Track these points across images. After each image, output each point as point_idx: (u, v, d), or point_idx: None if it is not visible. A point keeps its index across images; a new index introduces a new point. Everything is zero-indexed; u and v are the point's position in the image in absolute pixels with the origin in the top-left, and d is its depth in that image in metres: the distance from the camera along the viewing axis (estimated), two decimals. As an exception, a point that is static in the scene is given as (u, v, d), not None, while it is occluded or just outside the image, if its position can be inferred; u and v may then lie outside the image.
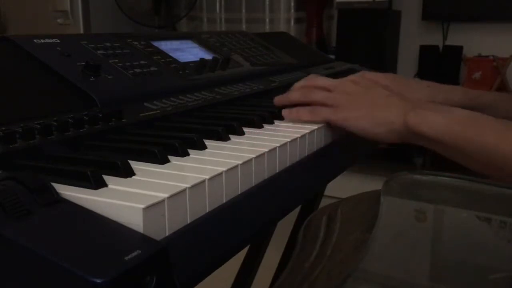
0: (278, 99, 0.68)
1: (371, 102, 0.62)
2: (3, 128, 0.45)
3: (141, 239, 0.34)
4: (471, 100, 0.80)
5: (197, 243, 0.40)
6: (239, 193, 0.46)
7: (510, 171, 0.48)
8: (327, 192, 1.16)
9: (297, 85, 0.70)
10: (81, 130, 0.51)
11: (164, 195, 0.37)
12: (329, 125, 0.66)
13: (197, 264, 0.39)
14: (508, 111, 0.80)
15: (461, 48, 2.56)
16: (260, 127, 0.62)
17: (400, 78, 0.84)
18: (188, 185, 0.39)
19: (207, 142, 0.52)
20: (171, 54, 0.78)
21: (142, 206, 0.35)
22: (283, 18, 2.91)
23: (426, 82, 0.83)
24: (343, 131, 0.64)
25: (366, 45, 2.52)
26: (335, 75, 1.09)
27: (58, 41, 0.65)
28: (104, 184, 0.39)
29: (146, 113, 0.59)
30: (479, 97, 0.81)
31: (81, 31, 2.78)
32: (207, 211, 0.42)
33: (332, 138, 0.67)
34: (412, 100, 0.62)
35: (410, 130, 0.57)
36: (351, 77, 0.70)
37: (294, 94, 0.67)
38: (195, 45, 0.88)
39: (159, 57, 0.75)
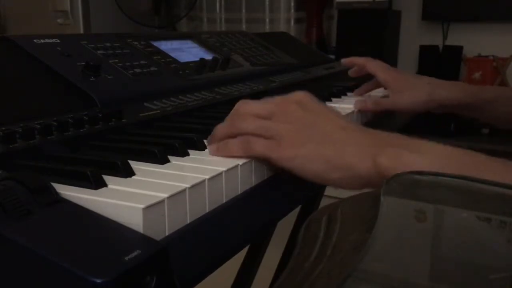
0: (209, 138, 0.52)
1: (323, 136, 0.47)
2: (3, 128, 0.45)
3: (141, 239, 0.34)
4: (472, 96, 0.79)
5: (197, 243, 0.40)
6: (239, 193, 0.46)
7: None
8: (327, 192, 1.16)
9: (229, 115, 0.53)
10: (81, 130, 0.51)
11: (164, 195, 0.37)
12: None
13: (197, 264, 0.39)
14: (509, 105, 0.80)
15: (461, 48, 2.56)
16: (260, 127, 0.61)
17: (401, 74, 0.82)
18: (188, 185, 0.39)
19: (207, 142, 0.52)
20: (171, 54, 0.78)
21: (142, 206, 0.35)
22: (283, 18, 2.91)
23: (427, 78, 0.82)
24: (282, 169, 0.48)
25: (366, 45, 2.51)
26: (335, 75, 1.10)
27: (58, 41, 0.65)
28: (104, 184, 0.39)
29: (146, 113, 0.59)
30: (480, 93, 0.80)
31: (81, 31, 2.78)
32: (207, 211, 0.42)
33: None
34: (376, 133, 0.48)
35: (382, 176, 0.42)
36: (298, 95, 0.52)
37: (221, 127, 0.51)
38: (195, 45, 0.88)
39: (159, 57, 0.75)
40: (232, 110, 0.52)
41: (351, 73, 0.90)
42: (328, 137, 0.47)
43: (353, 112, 0.75)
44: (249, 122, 0.49)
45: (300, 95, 0.51)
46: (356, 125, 0.50)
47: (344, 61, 0.89)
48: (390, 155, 0.43)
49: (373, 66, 0.84)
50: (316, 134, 0.47)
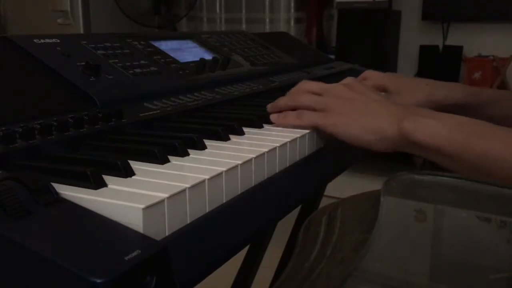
0: (270, 106, 0.65)
1: (363, 108, 0.59)
2: (3, 128, 0.45)
3: (141, 239, 0.34)
4: (471, 97, 0.80)
5: (197, 243, 0.40)
6: (239, 193, 0.46)
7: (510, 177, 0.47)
8: (327, 192, 1.16)
9: (290, 91, 0.66)
10: (81, 130, 0.51)
11: (164, 195, 0.37)
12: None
13: (197, 264, 0.39)
14: (506, 108, 0.80)
15: (461, 48, 2.56)
16: (260, 127, 0.62)
17: (399, 77, 0.84)
18: (188, 185, 0.39)
19: (207, 142, 0.52)
20: (171, 54, 0.78)
21: (142, 206, 0.35)
22: (283, 18, 2.91)
23: (425, 80, 0.83)
24: (332, 138, 0.60)
25: (366, 45, 2.52)
26: (335, 75, 1.10)
27: (58, 41, 0.65)
28: (104, 184, 0.39)
29: (146, 113, 0.59)
30: (479, 94, 0.81)
31: (81, 31, 2.78)
32: (207, 211, 0.42)
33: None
34: (406, 106, 0.59)
35: (405, 137, 0.54)
36: (347, 80, 0.65)
37: (283, 99, 0.64)
38: (195, 45, 0.88)
39: (159, 57, 0.75)
40: (294, 87, 0.65)
41: None
42: (365, 108, 0.58)
43: None
44: (305, 97, 0.61)
45: (348, 79, 0.65)
46: (389, 100, 0.61)
47: None
48: (412, 120, 0.54)
49: (369, 77, 0.85)
50: (356, 106, 0.59)
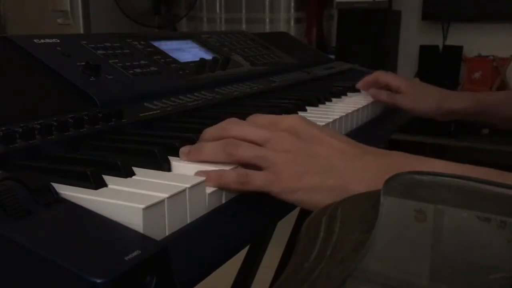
0: (189, 155, 0.47)
1: (323, 164, 0.44)
2: (3, 128, 0.45)
3: (141, 239, 0.34)
4: (477, 104, 0.84)
5: (197, 243, 0.40)
6: (239, 193, 0.46)
7: None
8: (327, 192, 1.16)
9: (210, 132, 0.49)
10: (81, 130, 0.51)
11: (164, 195, 0.37)
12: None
13: (197, 264, 0.39)
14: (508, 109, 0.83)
15: (461, 48, 2.56)
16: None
17: (412, 81, 0.87)
18: (188, 185, 0.39)
19: (207, 142, 0.52)
20: (171, 54, 0.78)
21: (142, 206, 0.35)
22: (283, 18, 2.91)
23: (439, 88, 0.86)
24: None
25: (366, 45, 2.52)
26: (335, 75, 1.10)
27: (58, 41, 0.65)
28: (104, 184, 0.39)
29: (146, 113, 0.59)
30: (483, 99, 0.85)
31: (81, 31, 2.78)
32: (207, 211, 0.42)
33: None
34: (375, 153, 0.46)
35: None
36: (292, 120, 0.48)
37: (209, 149, 0.47)
38: (195, 45, 0.88)
39: (159, 57, 0.75)
40: (221, 130, 0.49)
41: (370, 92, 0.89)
42: (328, 165, 0.44)
43: (358, 109, 0.75)
44: (244, 150, 0.46)
45: (292, 121, 0.48)
46: (355, 146, 0.47)
47: (358, 86, 0.91)
48: None
49: (385, 76, 0.88)
50: (315, 163, 0.45)
